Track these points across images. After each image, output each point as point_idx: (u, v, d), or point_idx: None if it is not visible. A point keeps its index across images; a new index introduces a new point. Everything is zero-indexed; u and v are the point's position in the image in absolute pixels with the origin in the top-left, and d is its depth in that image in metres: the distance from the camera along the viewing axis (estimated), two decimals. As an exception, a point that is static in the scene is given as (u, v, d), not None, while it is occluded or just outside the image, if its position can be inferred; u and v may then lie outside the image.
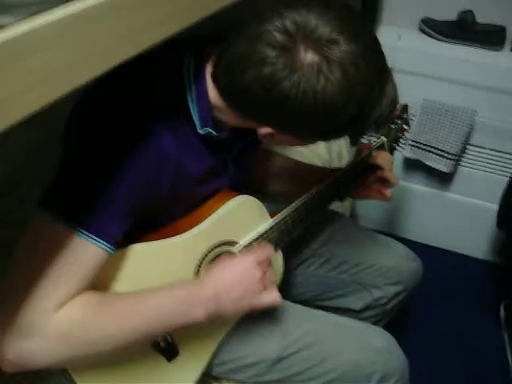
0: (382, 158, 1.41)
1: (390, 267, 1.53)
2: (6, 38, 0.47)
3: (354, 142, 1.59)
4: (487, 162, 2.29)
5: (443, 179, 2.40)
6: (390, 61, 2.05)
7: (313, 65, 0.86)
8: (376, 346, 1.29)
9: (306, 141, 1.06)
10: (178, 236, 1.07)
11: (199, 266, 1.12)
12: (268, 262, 1.11)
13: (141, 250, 1.03)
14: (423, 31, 2.22)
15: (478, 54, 2.13)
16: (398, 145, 1.57)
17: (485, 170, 2.31)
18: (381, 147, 1.48)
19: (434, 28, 2.18)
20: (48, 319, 0.87)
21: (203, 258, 1.13)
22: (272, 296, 1.08)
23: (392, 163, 1.43)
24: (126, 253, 1.01)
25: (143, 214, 0.98)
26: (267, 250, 1.11)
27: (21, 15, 0.51)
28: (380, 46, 0.95)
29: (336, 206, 1.85)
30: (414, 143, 2.28)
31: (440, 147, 2.23)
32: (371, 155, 1.43)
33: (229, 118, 1.02)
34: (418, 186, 2.47)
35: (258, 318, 1.26)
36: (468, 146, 2.27)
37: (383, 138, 1.48)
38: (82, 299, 0.91)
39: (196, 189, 1.10)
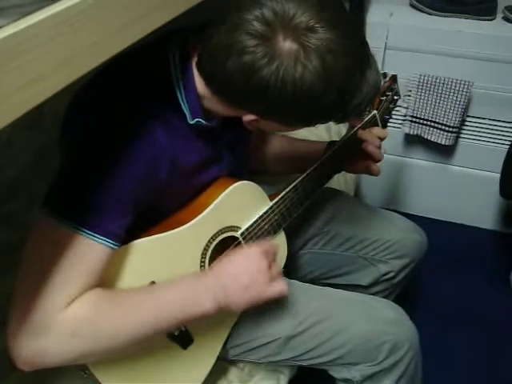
0: (368, 132, 1.41)
1: (395, 241, 1.54)
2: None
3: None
4: (487, 132, 2.30)
5: (444, 152, 2.41)
6: (384, 38, 2.08)
7: (291, 53, 0.88)
8: (385, 317, 1.31)
9: (289, 126, 1.08)
10: (180, 227, 1.09)
11: (204, 254, 1.14)
12: (272, 254, 1.12)
13: (145, 244, 1.05)
14: (414, 7, 2.23)
15: (470, 24, 2.14)
16: (390, 116, 1.57)
17: (485, 141, 2.32)
18: (373, 120, 1.48)
19: (425, 2, 2.19)
20: (58, 316, 0.89)
21: (207, 246, 1.15)
22: (279, 286, 1.09)
23: (383, 137, 1.43)
24: (131, 248, 1.02)
25: (144, 208, 1.00)
26: (267, 243, 1.13)
27: (11, 17, 0.52)
28: (361, 31, 0.98)
29: (339, 184, 1.87)
30: (412, 119, 2.29)
31: (439, 121, 2.23)
32: (364, 129, 1.44)
33: (216, 106, 1.04)
34: (419, 161, 2.48)
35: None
36: (467, 118, 2.28)
37: (374, 111, 1.49)
38: (91, 296, 0.93)
39: (193, 179, 1.12)
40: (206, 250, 1.14)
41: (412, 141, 2.43)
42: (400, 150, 2.47)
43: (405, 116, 2.31)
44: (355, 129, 1.43)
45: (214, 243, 1.16)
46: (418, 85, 2.20)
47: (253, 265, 1.06)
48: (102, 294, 0.95)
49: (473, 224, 2.57)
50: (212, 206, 1.13)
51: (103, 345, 0.94)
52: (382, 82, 1.52)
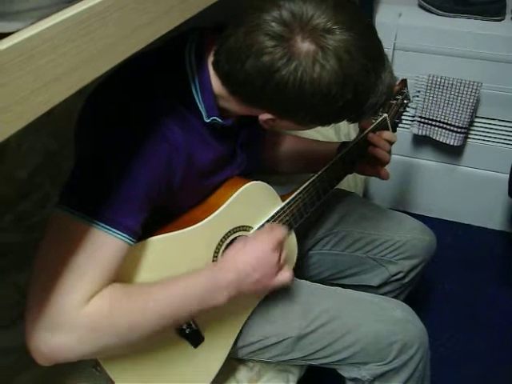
0: (378, 136, 1.42)
1: (404, 242, 1.55)
2: (14, 42, 0.49)
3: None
4: (496, 133, 2.30)
5: (453, 153, 2.41)
6: (393, 39, 2.09)
7: (309, 53, 0.89)
8: (394, 317, 1.32)
9: (304, 126, 1.08)
10: (194, 225, 1.10)
11: (216, 253, 1.15)
12: (282, 243, 1.14)
13: (160, 241, 1.06)
14: (423, 7, 2.23)
15: (479, 25, 2.13)
16: (400, 120, 1.58)
17: (494, 141, 2.32)
18: (383, 123, 1.49)
19: (433, 3, 2.19)
20: (77, 311, 0.89)
21: (220, 245, 1.16)
22: (285, 275, 1.13)
23: (392, 141, 1.44)
24: (146, 245, 1.04)
25: (158, 205, 1.01)
26: (279, 231, 1.14)
27: (28, 20, 0.53)
28: (376, 34, 0.98)
29: (349, 186, 1.87)
30: (421, 119, 2.29)
31: (448, 121, 2.23)
32: (374, 132, 1.44)
33: (232, 105, 1.05)
34: (428, 162, 2.48)
35: (278, 298, 1.30)
36: (475, 118, 2.28)
37: (385, 115, 1.49)
38: (109, 291, 0.94)
39: (207, 178, 1.14)
40: (218, 248, 1.15)
41: (421, 141, 2.43)
42: (409, 151, 2.47)
43: (413, 116, 2.31)
44: (366, 131, 1.44)
45: (226, 242, 1.17)
46: (427, 85, 2.19)
47: (264, 261, 1.09)
48: (119, 288, 0.96)
49: (481, 224, 2.57)
50: (224, 205, 1.14)
51: (122, 339, 0.95)
52: None
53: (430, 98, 2.22)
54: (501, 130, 2.28)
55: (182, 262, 1.09)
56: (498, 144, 2.32)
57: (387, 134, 1.43)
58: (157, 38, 0.70)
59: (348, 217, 1.58)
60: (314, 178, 1.32)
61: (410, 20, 2.20)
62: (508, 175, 2.01)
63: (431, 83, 2.18)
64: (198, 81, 1.02)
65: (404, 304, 1.39)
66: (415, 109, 2.28)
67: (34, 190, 1.64)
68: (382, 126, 1.49)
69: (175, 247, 1.09)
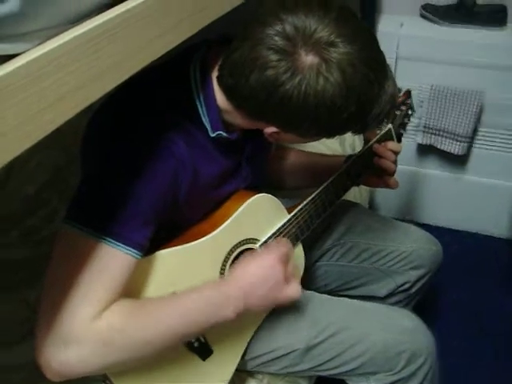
0: (383, 147, 1.42)
1: (410, 252, 1.55)
2: (20, 64, 0.50)
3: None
4: (500, 141, 2.30)
5: (458, 162, 2.41)
6: (395, 48, 2.09)
7: (313, 67, 0.90)
8: (403, 327, 1.32)
9: (309, 138, 1.09)
10: (201, 238, 1.11)
11: (224, 265, 1.16)
12: (288, 257, 1.13)
13: (168, 254, 1.07)
14: (425, 17, 2.24)
15: (481, 34, 2.14)
16: (404, 130, 1.58)
17: (498, 150, 2.32)
18: (388, 134, 1.50)
19: (435, 13, 2.20)
20: (88, 326, 0.90)
21: (227, 258, 1.16)
22: (293, 289, 1.11)
23: (397, 151, 1.43)
24: (154, 258, 1.04)
25: (165, 219, 1.02)
26: (285, 245, 1.14)
27: (36, 41, 0.54)
28: (378, 45, 0.99)
29: (354, 197, 1.87)
30: (425, 129, 2.30)
31: (452, 131, 2.24)
32: (379, 143, 1.45)
33: (237, 119, 1.06)
34: (433, 171, 2.48)
35: (285, 310, 1.30)
36: (479, 127, 2.28)
37: (389, 125, 1.50)
38: (120, 306, 0.95)
39: (212, 192, 1.14)
40: (225, 261, 1.16)
41: (425, 151, 2.43)
42: (413, 161, 2.47)
43: (417, 126, 2.32)
44: (371, 143, 1.44)
45: (234, 255, 1.17)
46: (430, 95, 2.20)
47: (271, 275, 1.08)
48: (130, 304, 0.97)
49: (487, 233, 2.57)
50: (231, 218, 1.15)
51: (133, 354, 0.96)
52: None
53: (434, 107, 2.23)
54: (504, 139, 2.28)
55: (190, 274, 1.10)
56: (502, 152, 2.32)
57: (392, 145, 1.44)
58: (166, 51, 0.70)
59: (354, 228, 1.59)
60: (319, 189, 1.32)
61: (411, 30, 2.21)
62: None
63: (434, 92, 2.19)
64: (203, 96, 1.03)
65: (412, 313, 1.39)
66: (419, 118, 2.29)
67: (42, 205, 1.65)
68: (387, 137, 1.49)
69: (183, 260, 1.09)
